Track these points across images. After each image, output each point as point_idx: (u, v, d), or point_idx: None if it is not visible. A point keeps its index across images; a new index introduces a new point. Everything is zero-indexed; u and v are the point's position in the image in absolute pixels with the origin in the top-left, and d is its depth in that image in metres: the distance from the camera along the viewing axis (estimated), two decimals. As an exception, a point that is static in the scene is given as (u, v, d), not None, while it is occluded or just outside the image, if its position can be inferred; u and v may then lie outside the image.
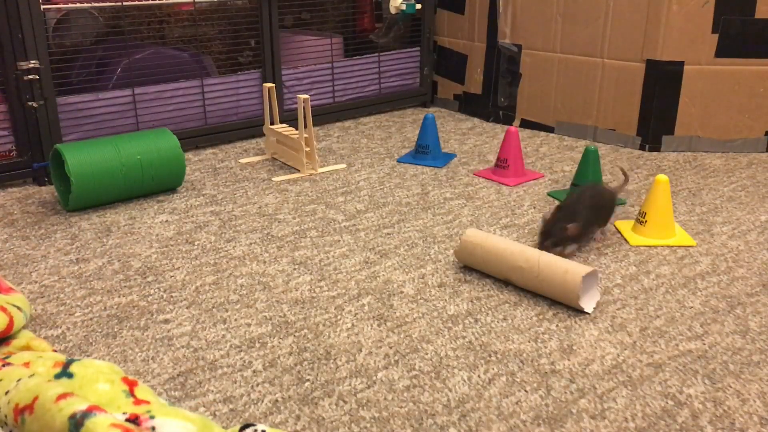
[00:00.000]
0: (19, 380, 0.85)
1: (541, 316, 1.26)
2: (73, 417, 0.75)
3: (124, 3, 2.12)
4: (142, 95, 2.13)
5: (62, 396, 0.78)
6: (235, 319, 1.25)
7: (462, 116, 2.72)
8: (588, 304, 1.28)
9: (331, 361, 1.13)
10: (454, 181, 1.98)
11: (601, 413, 0.99)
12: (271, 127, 2.12)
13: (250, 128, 2.36)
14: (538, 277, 1.29)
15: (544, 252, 1.35)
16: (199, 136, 2.27)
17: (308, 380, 1.07)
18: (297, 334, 1.20)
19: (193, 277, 1.41)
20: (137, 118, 2.13)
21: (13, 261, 1.48)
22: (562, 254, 1.43)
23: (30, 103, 1.89)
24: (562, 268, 1.27)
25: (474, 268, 1.43)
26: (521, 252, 1.34)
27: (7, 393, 0.84)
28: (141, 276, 1.42)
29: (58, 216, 1.72)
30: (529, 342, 1.17)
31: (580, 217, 1.46)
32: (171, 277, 1.41)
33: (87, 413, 0.75)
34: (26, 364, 0.93)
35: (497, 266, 1.36)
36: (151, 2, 2.23)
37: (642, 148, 2.27)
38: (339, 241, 1.58)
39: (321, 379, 1.08)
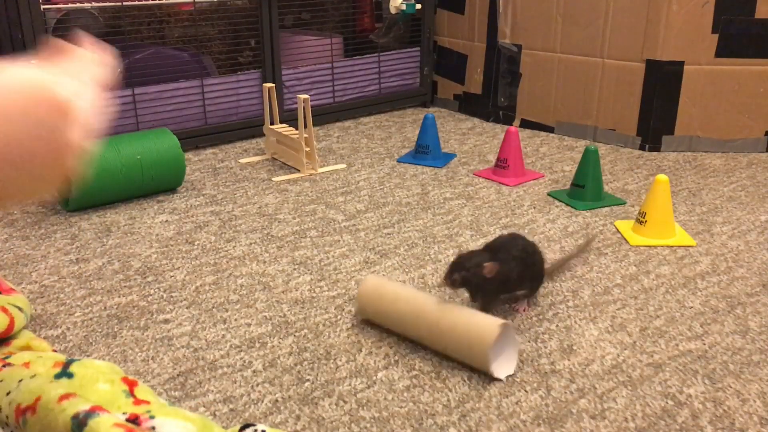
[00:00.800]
0: (20, 381, 0.85)
1: (541, 316, 1.26)
2: (76, 417, 0.75)
3: (124, 3, 2.12)
4: (142, 95, 2.13)
5: (65, 396, 0.78)
6: (235, 319, 1.25)
7: (462, 116, 2.72)
8: (505, 366, 1.09)
9: (331, 361, 1.12)
10: (454, 181, 1.98)
11: (601, 413, 0.99)
12: (271, 127, 2.12)
13: (250, 128, 2.36)
14: (441, 329, 1.10)
15: (446, 309, 1.12)
16: (199, 136, 2.27)
17: (308, 380, 1.07)
18: (297, 334, 1.20)
19: (193, 277, 1.41)
20: (137, 118, 2.13)
21: (13, 261, 1.48)
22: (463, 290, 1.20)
23: (30, 103, 1.88)
24: (472, 322, 1.08)
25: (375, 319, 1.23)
26: (423, 301, 1.14)
27: (8, 394, 0.84)
28: (141, 276, 1.42)
29: (58, 216, 1.72)
30: (529, 342, 1.17)
31: (505, 264, 1.19)
32: (171, 277, 1.41)
33: (90, 413, 0.75)
34: (26, 364, 0.93)
35: (395, 318, 1.17)
36: (151, 2, 2.23)
37: (642, 148, 2.27)
38: (339, 241, 1.58)
39: (321, 379, 1.08)
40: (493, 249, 1.22)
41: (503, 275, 1.18)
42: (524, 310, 1.28)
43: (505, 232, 1.62)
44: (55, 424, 0.76)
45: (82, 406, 0.76)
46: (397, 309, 1.16)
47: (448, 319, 1.09)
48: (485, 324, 1.07)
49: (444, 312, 1.11)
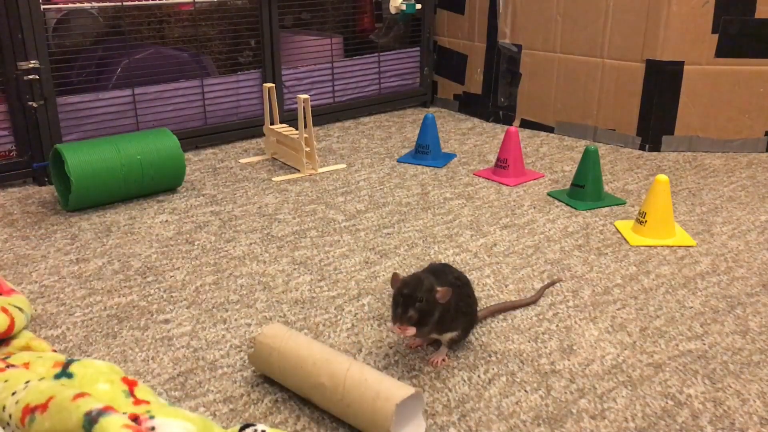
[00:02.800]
0: (27, 382, 0.85)
1: (541, 316, 1.26)
2: (88, 414, 0.75)
3: (124, 3, 2.11)
4: (142, 95, 2.13)
5: (79, 395, 0.79)
6: (235, 319, 1.25)
7: (462, 116, 2.72)
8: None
9: (331, 361, 1.12)
10: (454, 181, 1.97)
11: (601, 413, 0.99)
12: (271, 127, 2.12)
13: (250, 128, 2.36)
14: (343, 400, 0.95)
15: (354, 364, 0.98)
16: (199, 136, 2.27)
17: (308, 380, 1.07)
18: (297, 334, 1.20)
19: (193, 277, 1.41)
20: (137, 118, 2.13)
21: (13, 261, 1.48)
22: (424, 335, 1.06)
23: (30, 103, 1.89)
24: (373, 391, 0.93)
25: (273, 378, 1.07)
26: (326, 363, 0.98)
27: (14, 394, 0.84)
28: (141, 276, 1.42)
29: (58, 216, 1.72)
30: (529, 342, 1.17)
31: (453, 291, 1.04)
32: (171, 277, 1.41)
33: (102, 411, 0.75)
34: (26, 365, 0.93)
35: (294, 380, 1.01)
36: (151, 2, 2.23)
37: (642, 148, 2.27)
38: (339, 241, 1.58)
39: (321, 379, 1.07)
40: (433, 273, 1.07)
41: (451, 310, 1.03)
42: (441, 363, 1.10)
43: (505, 232, 1.62)
44: (68, 419, 0.76)
45: (96, 405, 0.76)
46: (295, 364, 1.01)
47: (354, 379, 0.96)
48: (391, 387, 0.94)
49: (351, 368, 0.97)
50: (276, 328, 1.06)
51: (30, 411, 0.80)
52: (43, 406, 0.79)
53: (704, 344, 1.17)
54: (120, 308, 1.29)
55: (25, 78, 1.86)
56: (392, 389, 0.92)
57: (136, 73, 2.14)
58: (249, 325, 1.23)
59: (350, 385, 0.95)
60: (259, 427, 0.81)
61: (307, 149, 2.00)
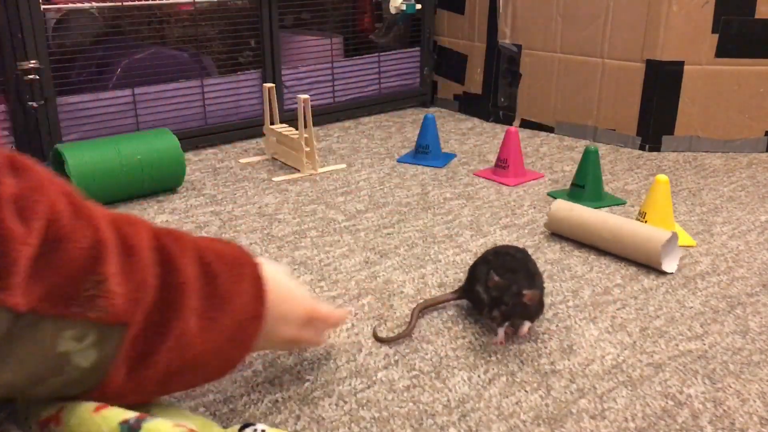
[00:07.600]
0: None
1: (540, 316, 1.25)
2: (125, 423, 0.73)
3: (124, 3, 2.12)
4: (142, 95, 2.13)
5: (101, 407, 0.77)
6: (235, 319, 1.25)
7: (462, 116, 2.72)
8: (670, 264, 1.42)
9: (331, 361, 1.12)
10: (454, 181, 1.98)
11: (601, 413, 0.99)
12: (271, 127, 2.12)
13: (250, 128, 2.36)
14: (622, 246, 1.46)
15: (625, 223, 1.46)
16: (199, 136, 2.27)
17: (308, 380, 1.07)
18: (297, 334, 1.20)
19: (193, 277, 1.41)
20: (137, 118, 2.13)
21: (13, 261, 1.48)
22: (507, 327, 1.16)
23: (30, 103, 1.89)
24: (644, 237, 1.43)
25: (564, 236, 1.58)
26: (604, 223, 1.50)
27: (37, 404, 0.82)
28: (141, 276, 1.41)
29: (58, 216, 1.72)
30: (529, 342, 1.17)
31: (540, 284, 1.20)
32: (171, 277, 1.41)
33: (140, 419, 0.73)
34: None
35: (581, 232, 1.54)
36: (151, 2, 2.23)
37: (642, 148, 2.27)
38: (339, 241, 1.58)
39: (321, 379, 1.08)
40: (516, 267, 1.18)
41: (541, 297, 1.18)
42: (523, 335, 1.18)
43: (505, 232, 1.62)
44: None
45: (129, 414, 0.74)
46: (584, 223, 1.53)
47: (627, 228, 1.46)
48: (656, 231, 1.43)
49: (623, 223, 1.47)
50: (560, 204, 1.58)
51: (43, 425, 0.79)
52: (56, 418, 0.78)
53: (704, 344, 1.17)
54: (120, 308, 1.29)
55: (25, 78, 1.86)
56: (656, 234, 1.41)
57: (136, 73, 2.14)
58: (249, 325, 1.23)
59: (626, 235, 1.45)
60: (259, 426, 0.81)
61: (307, 149, 2.00)
